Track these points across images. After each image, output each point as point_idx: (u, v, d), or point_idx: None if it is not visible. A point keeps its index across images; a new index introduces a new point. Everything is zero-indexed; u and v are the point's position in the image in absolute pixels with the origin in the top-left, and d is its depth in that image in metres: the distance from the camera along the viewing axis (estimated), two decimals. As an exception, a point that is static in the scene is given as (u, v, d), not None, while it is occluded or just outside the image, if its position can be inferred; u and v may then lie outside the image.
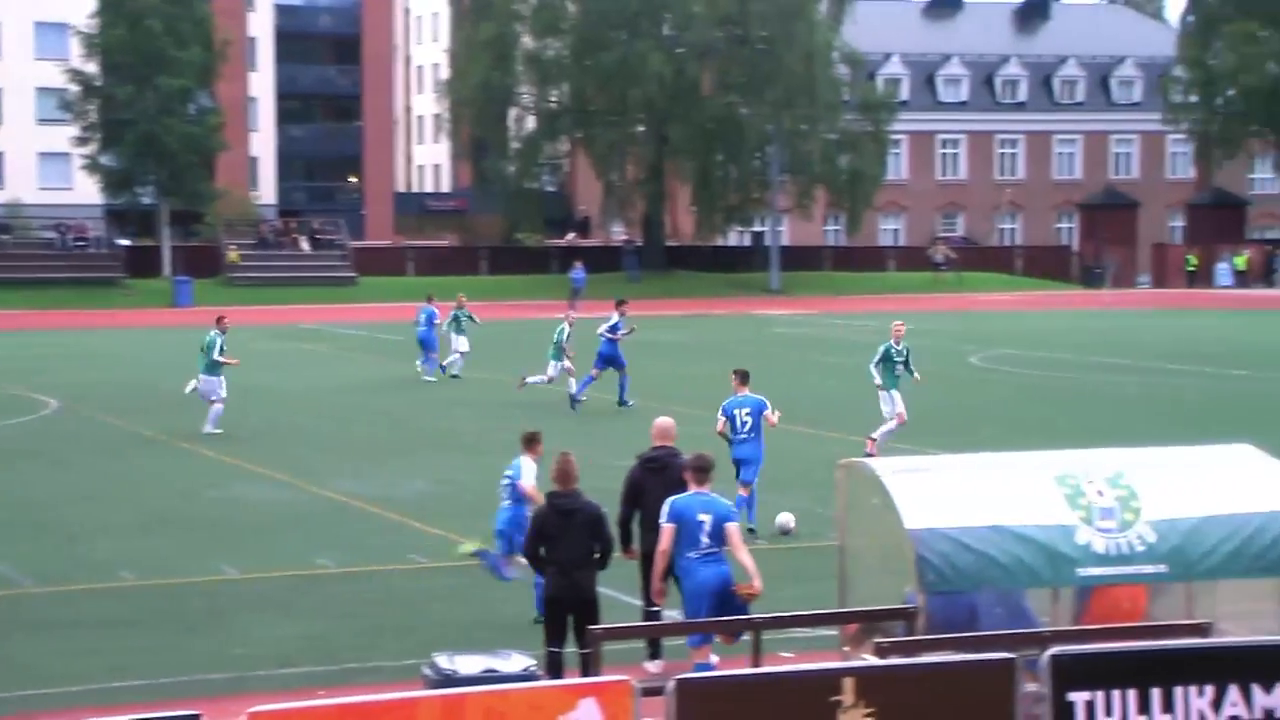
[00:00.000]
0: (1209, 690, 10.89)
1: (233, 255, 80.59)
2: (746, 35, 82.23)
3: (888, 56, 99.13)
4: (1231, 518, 12.88)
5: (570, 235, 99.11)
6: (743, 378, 21.39)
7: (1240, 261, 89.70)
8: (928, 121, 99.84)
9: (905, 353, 28.28)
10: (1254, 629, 12.88)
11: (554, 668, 13.31)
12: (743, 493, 20.55)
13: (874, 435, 27.30)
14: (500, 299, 69.36)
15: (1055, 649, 11.05)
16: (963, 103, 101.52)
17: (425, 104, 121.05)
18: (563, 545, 13.49)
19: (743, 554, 13.40)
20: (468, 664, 11.63)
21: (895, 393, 27.98)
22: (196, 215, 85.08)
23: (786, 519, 20.79)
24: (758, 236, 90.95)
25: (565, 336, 35.04)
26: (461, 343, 40.83)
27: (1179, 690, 10.85)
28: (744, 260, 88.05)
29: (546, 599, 13.62)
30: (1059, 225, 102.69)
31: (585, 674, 12.21)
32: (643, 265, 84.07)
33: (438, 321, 40.90)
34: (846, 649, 13.48)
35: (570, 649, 13.40)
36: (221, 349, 30.06)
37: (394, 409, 34.38)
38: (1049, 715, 10.79)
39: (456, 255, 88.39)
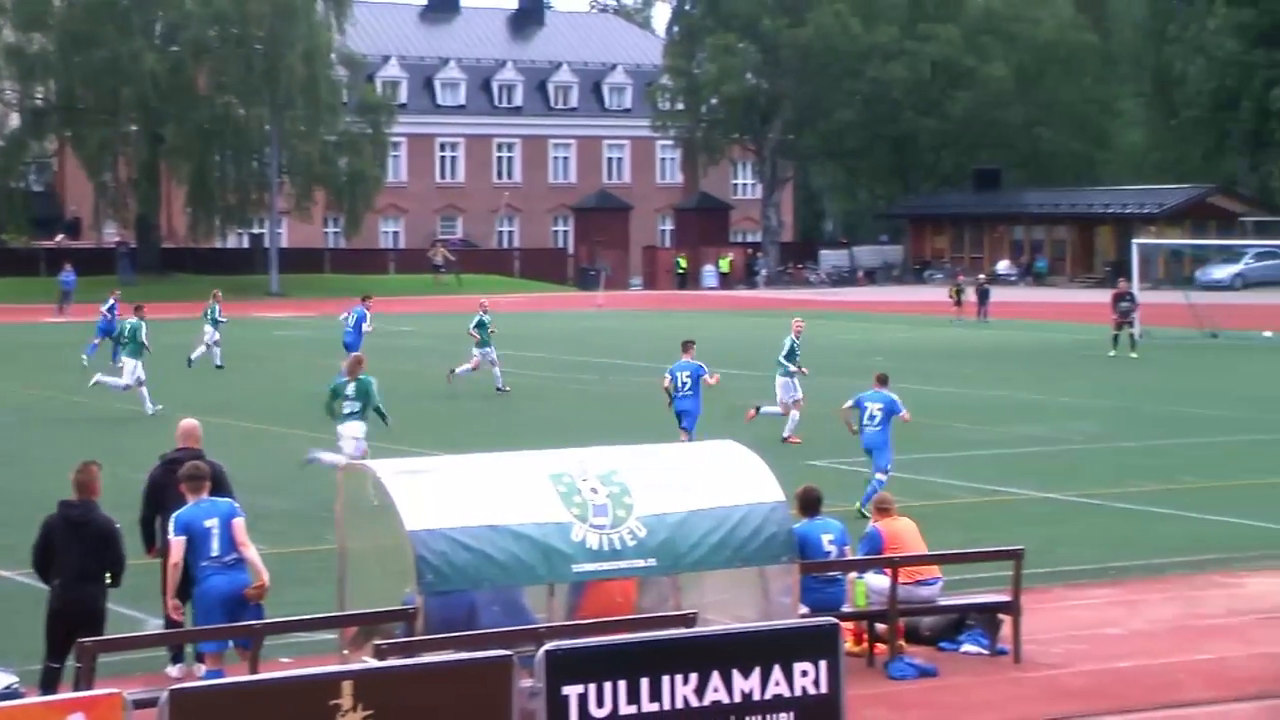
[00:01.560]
0: (693, 678, 11.33)
1: None
2: (244, 35, 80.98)
3: (386, 59, 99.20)
4: (715, 511, 13.44)
5: (59, 237, 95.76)
6: (685, 346, 27.07)
7: (724, 264, 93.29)
8: (426, 124, 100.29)
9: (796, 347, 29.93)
10: (735, 617, 13.49)
11: (50, 684, 12.88)
12: (684, 439, 24.85)
13: (786, 433, 28.78)
14: (-17, 303, 66.37)
15: (550, 644, 11.32)
16: (461, 106, 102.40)
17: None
18: (71, 557, 13.03)
19: (249, 550, 13.23)
20: (-55, 684, 11.16)
21: (794, 380, 29.38)
22: None
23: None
24: (257, 239, 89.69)
25: (486, 324, 36.62)
26: (212, 335, 42.76)
27: (665, 679, 11.25)
28: (243, 262, 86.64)
29: (49, 612, 13.17)
30: (555, 228, 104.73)
31: (77, 688, 11.87)
32: (137, 268, 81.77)
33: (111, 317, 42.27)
34: (347, 652, 13.49)
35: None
36: (143, 333, 34.05)
37: None
38: (544, 709, 11.05)
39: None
